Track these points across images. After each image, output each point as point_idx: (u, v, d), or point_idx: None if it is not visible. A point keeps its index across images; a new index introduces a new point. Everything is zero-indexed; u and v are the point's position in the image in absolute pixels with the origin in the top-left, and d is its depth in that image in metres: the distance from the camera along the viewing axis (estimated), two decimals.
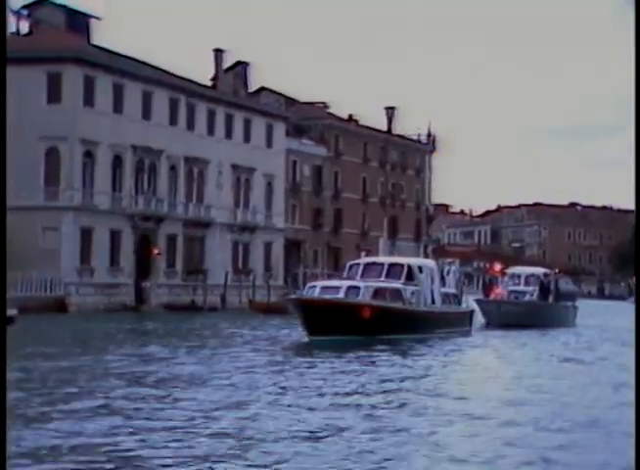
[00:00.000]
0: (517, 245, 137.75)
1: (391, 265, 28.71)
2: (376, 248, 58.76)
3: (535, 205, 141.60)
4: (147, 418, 11.05)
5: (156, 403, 12.37)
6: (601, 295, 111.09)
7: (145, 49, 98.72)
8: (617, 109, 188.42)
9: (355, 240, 62.35)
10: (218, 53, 52.63)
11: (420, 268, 29.02)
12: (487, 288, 46.13)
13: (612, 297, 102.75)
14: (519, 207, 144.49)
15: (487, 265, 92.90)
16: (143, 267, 45.69)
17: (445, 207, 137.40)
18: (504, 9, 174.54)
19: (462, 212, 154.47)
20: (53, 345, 22.54)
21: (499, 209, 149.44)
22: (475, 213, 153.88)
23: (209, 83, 53.96)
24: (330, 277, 48.25)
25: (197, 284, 48.50)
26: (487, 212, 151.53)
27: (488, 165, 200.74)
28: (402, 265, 28.82)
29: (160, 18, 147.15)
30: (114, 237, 44.41)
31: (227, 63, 54.68)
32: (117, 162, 44.78)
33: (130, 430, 10.15)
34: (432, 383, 16.11)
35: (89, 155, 43.31)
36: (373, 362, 19.52)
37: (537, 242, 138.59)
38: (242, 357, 20.00)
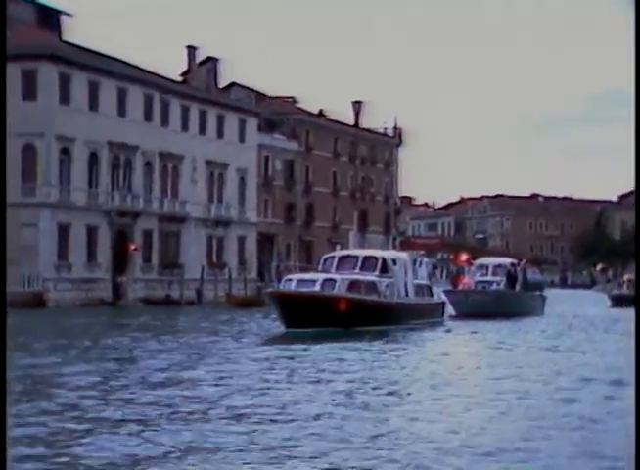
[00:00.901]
0: (480, 236, 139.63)
1: (366, 258, 29.11)
2: (346, 241, 59.57)
3: (498, 196, 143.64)
4: None
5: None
6: (563, 284, 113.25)
7: (115, 45, 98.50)
8: (583, 101, 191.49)
9: (327, 233, 63.25)
10: (191, 49, 53.08)
11: (394, 261, 29.43)
12: (455, 278, 47.08)
13: (574, 285, 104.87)
14: (482, 198, 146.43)
15: (452, 257, 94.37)
16: (120, 262, 46.15)
17: (409, 199, 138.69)
18: (467, 7, 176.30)
19: (425, 205, 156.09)
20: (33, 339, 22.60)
21: (462, 201, 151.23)
22: (438, 206, 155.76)
23: (180, 79, 54.43)
24: (303, 270, 49.11)
25: (172, 278, 49.05)
26: (451, 204, 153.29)
27: (451, 159, 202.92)
28: (376, 258, 29.25)
29: (130, 14, 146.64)
30: (91, 233, 44.83)
31: (199, 59, 55.12)
32: (94, 158, 45.17)
33: None
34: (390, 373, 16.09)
35: (65, 151, 43.66)
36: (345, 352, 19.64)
37: (500, 233, 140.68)
38: (221, 348, 20.66)
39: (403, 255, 33.22)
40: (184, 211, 50.51)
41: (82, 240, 44.30)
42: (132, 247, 46.63)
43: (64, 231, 43.22)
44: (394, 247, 67.60)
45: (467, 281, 40.13)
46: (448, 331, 28.51)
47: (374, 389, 13.52)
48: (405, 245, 76.67)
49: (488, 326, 29.77)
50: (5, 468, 5.85)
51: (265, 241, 57.42)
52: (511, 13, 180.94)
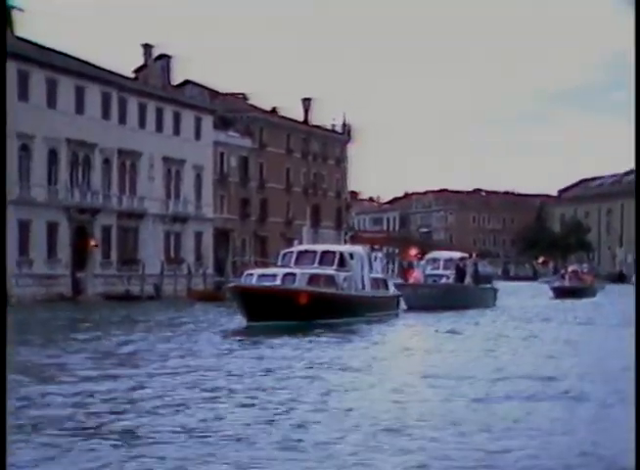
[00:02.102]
0: (425, 230, 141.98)
1: (324, 253, 29.83)
2: (299, 236, 60.71)
3: (442, 191, 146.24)
4: None
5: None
6: (506, 276, 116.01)
7: (65, 42, 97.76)
8: (530, 98, 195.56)
9: (280, 228, 64.30)
10: (147, 48, 53.57)
11: (351, 255, 30.18)
12: (405, 272, 48.22)
13: (517, 278, 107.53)
14: (426, 193, 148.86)
15: (397, 251, 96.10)
16: (79, 258, 46.60)
17: (355, 194, 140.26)
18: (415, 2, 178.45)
19: (370, 200, 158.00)
20: None
21: (407, 195, 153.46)
22: (382, 200, 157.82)
23: (132, 76, 54.87)
24: (259, 265, 50.12)
25: (131, 274, 49.65)
26: (396, 199, 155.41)
27: (396, 154, 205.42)
28: (334, 253, 30.02)
29: (79, 9, 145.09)
30: (52, 229, 45.20)
31: (151, 57, 55.51)
32: (53, 155, 45.51)
33: None
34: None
35: (25, 148, 43.93)
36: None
37: (444, 227, 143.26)
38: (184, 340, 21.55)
39: (360, 249, 33.74)
40: (142, 207, 51.11)
41: (43, 236, 44.67)
42: (92, 243, 47.13)
43: (24, 227, 43.53)
44: (345, 241, 68.97)
45: (416, 275, 40.76)
46: (403, 323, 29.38)
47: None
48: (354, 239, 78.18)
49: (440, 317, 30.66)
50: (5, 467, 5.83)
51: (221, 236, 58.25)
52: (458, 6, 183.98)
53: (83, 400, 11.54)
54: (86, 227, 47.29)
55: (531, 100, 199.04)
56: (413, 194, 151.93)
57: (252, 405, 11.24)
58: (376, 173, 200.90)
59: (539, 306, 41.19)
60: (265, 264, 48.13)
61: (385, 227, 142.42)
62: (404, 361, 17.60)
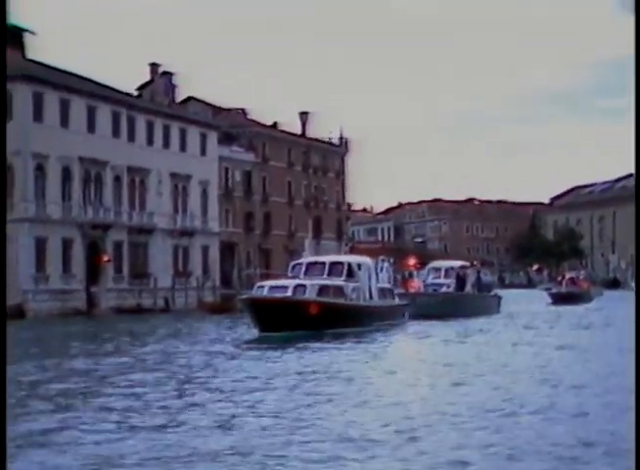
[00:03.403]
0: (419, 240, 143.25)
1: (333, 264, 30.40)
2: (302, 248, 62.03)
3: (435, 201, 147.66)
4: None
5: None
6: (502, 284, 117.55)
7: (70, 62, 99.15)
8: (517, 102, 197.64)
9: (283, 241, 65.75)
10: (154, 66, 55.07)
11: (359, 266, 30.66)
12: (405, 282, 49.13)
13: (512, 285, 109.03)
14: (420, 203, 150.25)
15: (391, 260, 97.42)
16: (93, 273, 47.93)
17: (349, 205, 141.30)
18: (399, 9, 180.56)
19: (364, 210, 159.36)
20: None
21: (401, 205, 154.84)
22: (376, 211, 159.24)
23: (136, 93, 56.37)
24: (264, 277, 51.43)
25: (142, 288, 50.99)
26: (390, 209, 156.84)
27: (389, 165, 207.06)
28: (343, 263, 30.61)
29: (87, 31, 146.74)
30: (66, 245, 46.56)
31: (158, 76, 57.00)
32: (66, 173, 46.93)
33: None
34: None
35: (40, 168, 45.35)
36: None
37: (438, 236, 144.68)
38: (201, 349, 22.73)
39: (367, 260, 33.89)
40: (151, 222, 52.52)
41: (58, 252, 46.01)
42: (105, 258, 48.45)
43: (41, 244, 44.91)
44: (345, 252, 70.33)
45: (416, 284, 41.39)
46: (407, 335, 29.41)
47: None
48: (352, 250, 79.58)
49: (447, 325, 31.28)
50: (5, 467, 5.90)
51: (227, 250, 59.63)
52: (446, 14, 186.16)
53: None
54: (99, 243, 48.65)
55: (526, 105, 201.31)
56: (407, 204, 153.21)
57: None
58: (369, 184, 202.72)
59: (544, 313, 42.67)
60: (269, 276, 49.38)
61: (379, 237, 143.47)
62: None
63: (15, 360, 17.82)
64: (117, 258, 49.96)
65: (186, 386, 14.88)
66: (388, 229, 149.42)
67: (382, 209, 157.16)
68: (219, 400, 12.88)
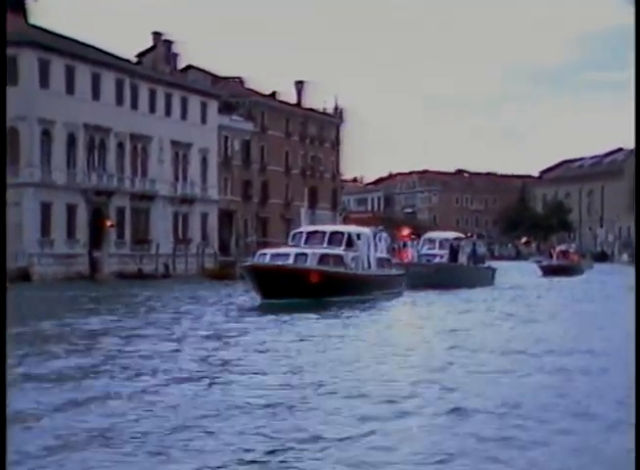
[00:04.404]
0: (409, 210, 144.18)
1: (333, 233, 30.68)
2: (298, 217, 62.91)
3: (425, 172, 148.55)
4: None
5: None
6: (491, 256, 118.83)
7: (69, 28, 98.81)
8: (504, 79, 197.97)
9: (280, 210, 66.63)
10: (157, 36, 55.47)
11: (358, 235, 30.92)
12: (399, 252, 49.91)
13: (501, 257, 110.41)
14: (410, 174, 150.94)
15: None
16: (96, 239, 48.75)
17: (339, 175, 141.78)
18: None
19: (354, 180, 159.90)
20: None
21: (391, 176, 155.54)
22: (365, 181, 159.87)
23: (135, 60, 56.75)
24: (262, 245, 52.34)
25: (143, 254, 51.87)
26: (380, 180, 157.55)
27: (380, 136, 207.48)
28: (342, 233, 30.85)
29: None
30: (71, 211, 47.33)
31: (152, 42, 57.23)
32: (71, 139, 47.56)
33: None
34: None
35: (46, 133, 45.95)
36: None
37: (428, 207, 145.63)
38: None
39: (366, 230, 34.08)
40: (153, 189, 53.27)
41: (63, 217, 46.78)
42: (109, 224, 49.24)
43: (46, 209, 45.64)
44: (339, 222, 71.27)
45: (409, 254, 41.73)
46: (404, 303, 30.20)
47: None
48: (344, 219, 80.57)
49: (444, 295, 31.94)
50: (5, 468, 5.92)
51: (225, 217, 60.46)
52: None
53: None
54: (102, 209, 49.41)
55: (511, 80, 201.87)
56: (397, 175, 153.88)
57: None
58: (361, 155, 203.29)
59: (539, 284, 43.92)
60: (267, 244, 50.25)
61: (369, 208, 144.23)
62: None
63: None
64: (120, 225, 50.75)
65: None
66: (379, 199, 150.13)
67: (372, 179, 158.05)
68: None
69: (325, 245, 29.80)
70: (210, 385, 11.17)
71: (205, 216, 57.79)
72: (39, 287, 39.16)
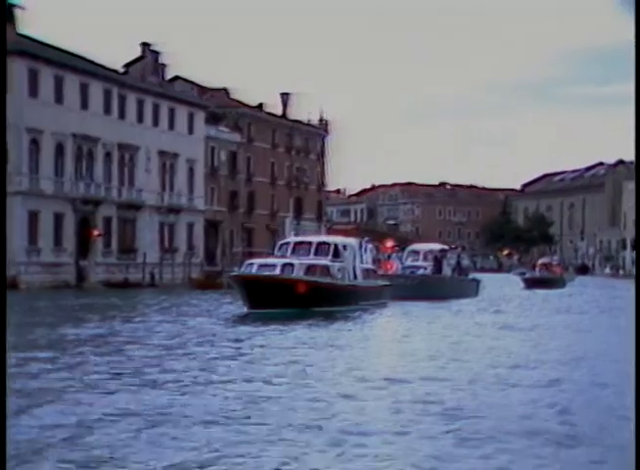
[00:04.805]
0: (392, 222, 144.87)
1: (319, 244, 31.07)
2: (283, 228, 63.34)
3: (408, 184, 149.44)
4: None
5: None
6: (473, 267, 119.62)
7: (59, 37, 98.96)
8: (488, 90, 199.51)
9: (266, 220, 67.00)
10: (145, 46, 55.77)
11: (344, 246, 31.28)
12: (383, 263, 50.22)
13: (483, 269, 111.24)
14: (393, 186, 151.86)
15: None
16: (83, 247, 48.89)
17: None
18: None
19: (338, 191, 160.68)
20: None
21: (374, 188, 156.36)
22: (348, 193, 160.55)
23: (122, 70, 56.97)
24: (248, 255, 52.74)
25: (129, 263, 52.04)
26: (363, 191, 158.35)
27: (363, 148, 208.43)
28: (329, 244, 31.22)
29: (77, 7, 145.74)
30: (58, 219, 47.45)
31: (139, 53, 57.41)
32: (59, 149, 47.73)
33: None
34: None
35: (34, 142, 46.11)
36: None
37: (411, 219, 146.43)
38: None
39: (352, 241, 34.29)
40: (140, 198, 53.49)
41: (50, 226, 46.88)
42: (96, 233, 49.41)
43: (34, 218, 45.75)
44: (324, 233, 71.69)
45: (393, 266, 41.96)
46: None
47: None
48: (329, 230, 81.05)
49: (427, 306, 32.15)
50: (5, 468, 5.94)
51: (211, 227, 60.74)
52: (420, 3, 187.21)
53: None
54: (89, 218, 49.57)
55: (496, 93, 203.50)
56: (380, 186, 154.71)
57: None
58: (345, 167, 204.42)
59: (523, 296, 44.53)
60: (253, 254, 50.59)
61: (352, 219, 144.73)
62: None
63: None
64: (107, 234, 50.90)
65: None
66: (362, 211, 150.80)
67: (355, 191, 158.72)
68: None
69: (312, 255, 30.13)
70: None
71: (191, 226, 58.04)
72: (28, 296, 39.19)
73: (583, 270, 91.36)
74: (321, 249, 30.68)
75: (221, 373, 13.14)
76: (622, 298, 39.26)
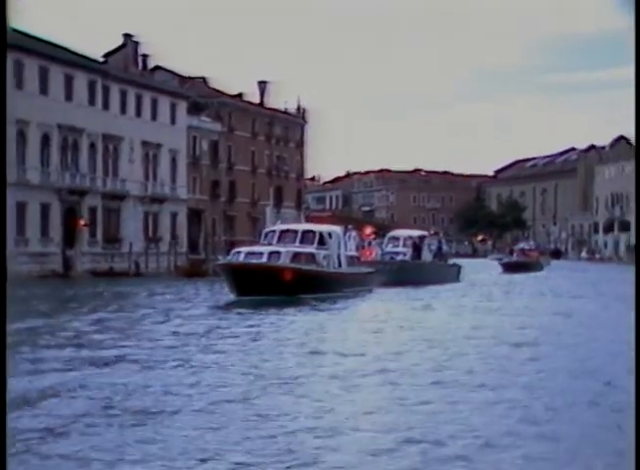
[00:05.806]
0: (367, 209, 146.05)
1: (305, 232, 31.78)
2: (264, 216, 64.22)
3: (383, 171, 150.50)
4: None
5: None
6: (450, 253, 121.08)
7: (48, 30, 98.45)
8: (468, 78, 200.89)
9: (247, 209, 67.80)
10: (127, 37, 56.23)
11: (329, 234, 31.84)
12: (363, 250, 51.14)
13: (458, 255, 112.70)
14: (367, 173, 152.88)
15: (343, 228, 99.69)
16: (69, 237, 49.47)
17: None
18: None
19: (312, 179, 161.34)
20: None
21: (349, 175, 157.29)
22: (323, 180, 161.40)
23: (102, 60, 57.40)
24: (230, 243, 53.60)
25: (114, 252, 52.70)
26: (338, 179, 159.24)
27: (338, 135, 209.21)
28: (314, 232, 31.89)
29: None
30: (45, 210, 48.00)
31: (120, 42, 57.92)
32: (45, 140, 48.23)
33: None
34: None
35: (21, 134, 46.55)
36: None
37: (386, 205, 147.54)
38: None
39: (337, 228, 34.73)
40: (124, 188, 54.09)
41: (37, 216, 47.42)
42: (82, 223, 50.00)
43: (21, 208, 46.23)
44: (303, 221, 72.52)
45: (373, 252, 42.56)
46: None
47: None
48: (307, 218, 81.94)
49: (407, 292, 33.10)
50: (5, 467, 5.98)
51: (194, 216, 61.46)
52: None
53: None
54: (75, 208, 50.13)
55: (469, 80, 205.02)
56: (355, 174, 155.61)
57: None
58: (320, 154, 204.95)
59: (504, 280, 45.85)
60: (236, 243, 51.39)
61: (327, 206, 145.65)
62: None
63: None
64: (92, 223, 51.48)
65: None
66: (337, 198, 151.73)
67: (330, 178, 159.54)
68: None
69: (297, 243, 30.74)
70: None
71: (174, 215, 58.73)
72: (16, 285, 39.75)
73: (556, 254, 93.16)
74: (307, 237, 31.28)
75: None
76: (600, 279, 40.84)
